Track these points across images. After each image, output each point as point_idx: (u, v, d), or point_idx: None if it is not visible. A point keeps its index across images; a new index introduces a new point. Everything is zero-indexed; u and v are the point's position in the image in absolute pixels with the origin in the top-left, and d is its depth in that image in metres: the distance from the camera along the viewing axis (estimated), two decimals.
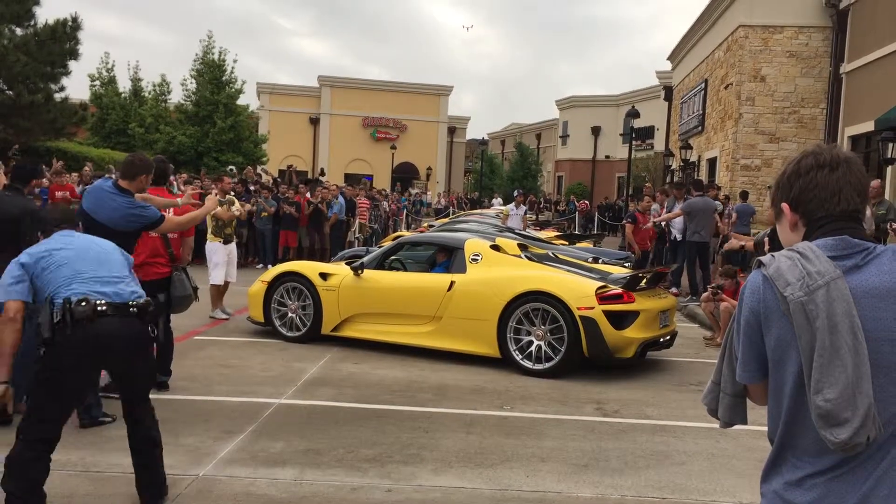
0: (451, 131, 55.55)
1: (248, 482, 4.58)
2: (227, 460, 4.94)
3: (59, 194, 15.70)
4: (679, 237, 13.60)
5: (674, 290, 13.24)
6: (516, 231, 13.74)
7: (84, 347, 3.78)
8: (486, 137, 57.02)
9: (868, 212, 10.68)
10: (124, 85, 36.70)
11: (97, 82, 35.79)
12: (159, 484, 4.16)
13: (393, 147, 49.64)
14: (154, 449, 4.15)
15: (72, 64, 21.46)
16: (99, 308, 3.79)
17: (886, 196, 13.06)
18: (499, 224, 15.61)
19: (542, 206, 38.45)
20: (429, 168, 52.79)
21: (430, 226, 18.63)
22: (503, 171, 55.25)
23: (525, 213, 18.55)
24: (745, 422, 1.94)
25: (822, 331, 1.66)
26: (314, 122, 51.95)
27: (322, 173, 32.84)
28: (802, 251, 1.76)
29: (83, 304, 3.75)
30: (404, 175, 50.17)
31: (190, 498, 4.31)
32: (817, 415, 1.67)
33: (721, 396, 1.95)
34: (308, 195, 17.16)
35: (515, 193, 20.58)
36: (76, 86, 62.72)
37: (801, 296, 1.70)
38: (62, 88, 21.55)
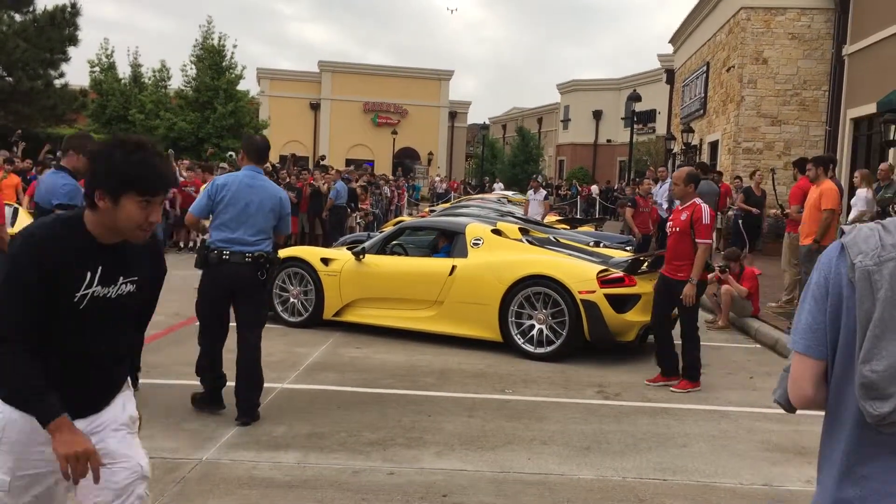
0: (453, 116, 55.48)
1: (251, 466, 4.61)
2: (230, 444, 4.96)
3: None
4: None
5: None
6: (517, 216, 13.73)
7: (213, 279, 5.43)
8: (487, 122, 56.95)
9: (868, 193, 10.66)
10: (124, 71, 36.59)
11: (97, 68, 35.65)
12: (249, 407, 5.39)
13: (394, 132, 49.58)
14: (249, 369, 5.42)
15: (71, 50, 21.49)
16: (224, 256, 5.33)
17: None
18: (500, 208, 15.61)
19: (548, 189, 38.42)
20: (430, 153, 52.73)
21: (432, 210, 18.66)
22: (504, 156, 55.16)
23: (545, 198, 18.08)
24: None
25: (883, 302, 1.62)
26: (315, 107, 51.86)
27: (322, 158, 32.81)
28: (886, 224, 1.72)
29: (215, 252, 5.35)
30: (405, 160, 50.12)
31: (193, 482, 4.33)
32: (860, 384, 1.62)
33: (781, 375, 1.86)
34: (315, 177, 17.15)
35: (535, 178, 20.12)
36: (76, 72, 62.62)
37: (869, 264, 1.66)
38: (62, 75, 21.58)
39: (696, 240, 6.53)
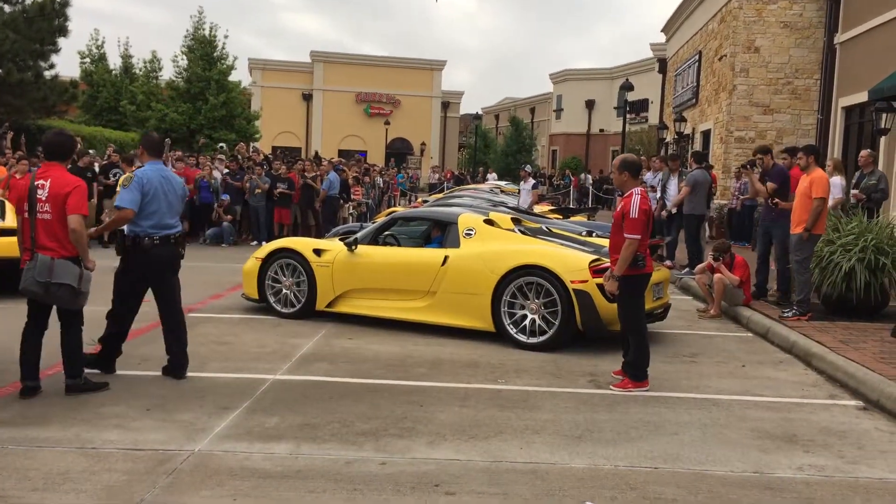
0: (445, 106, 55.38)
1: (244, 457, 4.61)
2: (222, 436, 4.96)
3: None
4: (674, 210, 13.59)
5: (668, 262, 13.28)
6: (510, 206, 13.74)
7: (147, 262, 6.11)
8: (480, 112, 56.82)
9: (842, 181, 10.70)
10: (115, 62, 36.51)
11: (87, 59, 35.52)
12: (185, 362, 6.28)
13: (387, 123, 49.49)
14: (180, 329, 6.32)
15: (61, 41, 21.31)
16: (155, 241, 6.06)
17: (880, 166, 13.07)
18: (492, 198, 15.64)
19: (538, 178, 38.40)
20: (423, 143, 52.64)
21: (425, 201, 18.66)
22: (497, 146, 55.09)
23: (534, 187, 18.28)
24: None
25: None
26: (307, 98, 51.69)
27: (316, 154, 32.77)
28: None
29: (147, 239, 6.03)
30: (398, 151, 50.04)
31: (186, 473, 4.33)
32: None
33: None
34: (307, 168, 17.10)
35: (524, 167, 20.29)
36: (66, 63, 62.23)
37: None
38: (52, 66, 21.41)
39: (624, 233, 6.19)
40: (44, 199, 5.48)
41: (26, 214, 5.53)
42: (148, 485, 4.15)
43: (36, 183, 5.53)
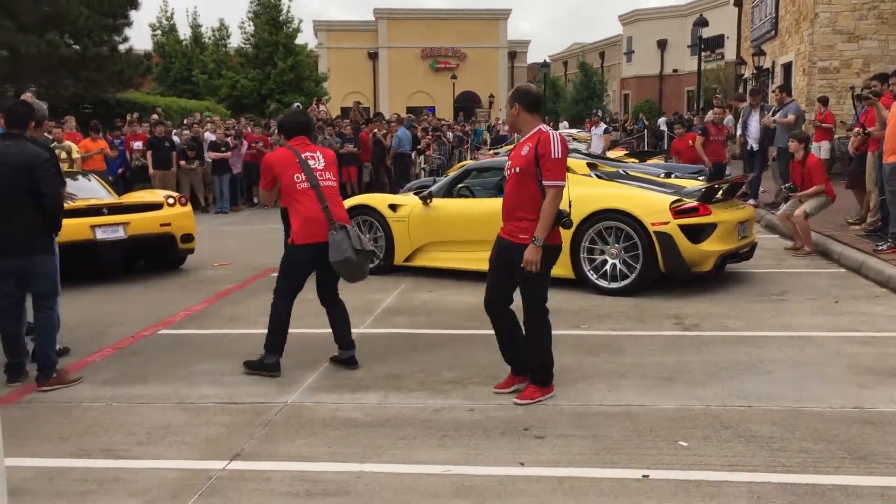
0: (512, 56, 54.56)
1: (335, 407, 4.70)
2: (312, 388, 5.07)
3: (134, 144, 16.19)
4: (756, 147, 13.12)
5: (752, 201, 12.86)
6: (582, 152, 13.50)
7: None
8: (547, 60, 55.79)
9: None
10: (184, 32, 37.11)
11: (158, 31, 36.22)
12: None
13: (453, 77, 49.10)
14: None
15: (132, 14, 21.75)
16: None
17: None
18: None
19: (610, 123, 37.61)
20: (491, 95, 52.09)
21: (496, 152, 18.53)
22: (567, 94, 54.09)
23: (605, 132, 18.10)
24: None
25: None
26: (373, 56, 51.66)
27: (376, 114, 32.84)
28: None
29: None
30: (466, 105, 49.69)
31: (280, 424, 4.45)
32: None
33: None
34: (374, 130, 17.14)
35: (595, 112, 20.14)
36: (138, 36, 63.79)
37: None
38: (126, 39, 21.90)
39: (544, 182, 4.52)
40: (321, 168, 5.42)
41: (304, 184, 5.28)
42: (246, 436, 4.28)
43: (303, 155, 5.37)
